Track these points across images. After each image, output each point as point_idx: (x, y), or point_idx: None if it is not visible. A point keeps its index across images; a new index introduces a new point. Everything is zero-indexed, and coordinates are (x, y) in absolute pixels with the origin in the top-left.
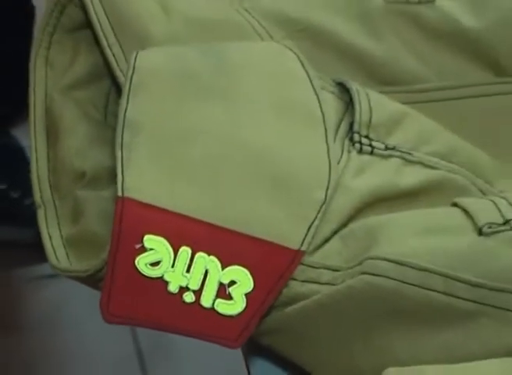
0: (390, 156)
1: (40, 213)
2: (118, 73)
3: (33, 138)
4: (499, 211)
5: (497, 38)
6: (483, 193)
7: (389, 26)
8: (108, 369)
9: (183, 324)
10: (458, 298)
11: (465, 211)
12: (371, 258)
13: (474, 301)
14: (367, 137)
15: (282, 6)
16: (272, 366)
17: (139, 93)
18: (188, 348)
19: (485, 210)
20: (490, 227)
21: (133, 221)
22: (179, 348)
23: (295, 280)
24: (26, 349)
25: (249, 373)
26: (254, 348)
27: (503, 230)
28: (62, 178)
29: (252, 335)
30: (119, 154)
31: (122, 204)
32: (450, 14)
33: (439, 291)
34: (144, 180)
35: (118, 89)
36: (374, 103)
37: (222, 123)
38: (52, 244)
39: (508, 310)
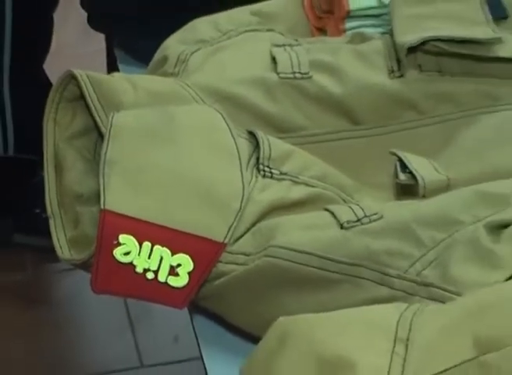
0: (283, 179)
1: (51, 222)
2: (102, 129)
3: (46, 173)
4: (354, 212)
5: (354, 101)
6: (345, 202)
7: (283, 94)
8: (106, 326)
9: (146, 294)
10: (328, 271)
11: (332, 213)
12: (271, 246)
13: (339, 273)
14: (268, 166)
15: (211, 81)
16: (207, 319)
17: (114, 141)
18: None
19: (345, 212)
20: (348, 223)
21: (110, 225)
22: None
23: (221, 262)
24: (53, 318)
25: (193, 325)
26: (195, 309)
27: (356, 225)
28: (66, 199)
29: (193, 300)
30: (101, 181)
31: (104, 214)
32: (323, 85)
33: (315, 267)
34: (117, 198)
35: (101, 138)
36: (272, 144)
37: (170, 158)
38: (59, 243)
39: (360, 278)
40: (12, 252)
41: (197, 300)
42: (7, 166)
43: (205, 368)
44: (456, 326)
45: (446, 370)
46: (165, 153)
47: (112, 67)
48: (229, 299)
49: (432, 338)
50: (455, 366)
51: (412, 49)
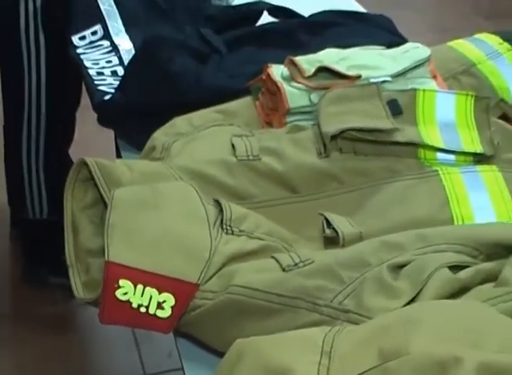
0: (241, 235)
1: (70, 270)
2: (106, 201)
3: (66, 234)
4: (292, 259)
5: (292, 175)
6: (287, 251)
7: (240, 171)
8: (117, 344)
9: (141, 323)
10: (273, 302)
11: (276, 260)
12: (231, 286)
13: (281, 304)
14: (229, 226)
15: (187, 163)
16: (187, 340)
17: (115, 209)
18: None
19: (285, 259)
20: (288, 267)
21: (112, 273)
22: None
23: (195, 298)
24: (77, 340)
25: (176, 345)
26: (178, 332)
27: (294, 269)
28: (81, 253)
29: (176, 326)
30: (105, 239)
31: (107, 264)
32: (269, 164)
33: (263, 300)
34: (117, 252)
35: (106, 208)
36: (232, 209)
37: (156, 222)
38: (76, 286)
39: (297, 307)
40: (46, 291)
41: (179, 326)
42: (42, 226)
43: None
44: (365, 342)
45: None
46: (152, 218)
47: (118, 152)
48: (202, 325)
49: (348, 351)
50: (364, 372)
51: (334, 137)
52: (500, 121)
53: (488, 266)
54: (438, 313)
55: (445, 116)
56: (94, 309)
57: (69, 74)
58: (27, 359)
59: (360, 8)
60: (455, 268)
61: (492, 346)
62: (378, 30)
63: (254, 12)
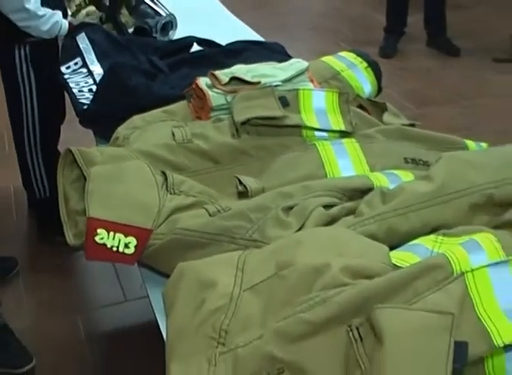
0: (181, 194)
1: (64, 226)
2: (86, 176)
3: (60, 202)
4: (217, 208)
5: (215, 152)
6: (213, 203)
7: (178, 151)
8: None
9: (114, 259)
10: (204, 239)
11: (206, 209)
12: (175, 229)
13: (210, 240)
14: (172, 189)
15: (141, 147)
16: (149, 270)
17: (91, 182)
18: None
19: (212, 208)
20: (214, 213)
21: (91, 224)
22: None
23: (151, 239)
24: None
25: (141, 274)
26: (141, 264)
27: (217, 214)
28: (71, 214)
29: (139, 260)
30: (86, 203)
31: (88, 219)
32: (198, 145)
33: (197, 237)
34: (94, 210)
35: (85, 181)
36: (174, 177)
37: (121, 189)
38: (69, 236)
39: (220, 241)
40: (55, 247)
41: (141, 260)
42: (48, 202)
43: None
44: (266, 258)
45: (261, 281)
46: (118, 186)
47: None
48: (157, 258)
49: (255, 266)
50: (266, 278)
51: (243, 123)
52: (357, 109)
53: (349, 204)
54: (315, 236)
55: (319, 106)
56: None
57: (54, 96)
58: (44, 296)
59: (260, 38)
60: (328, 207)
61: (351, 254)
62: (273, 53)
63: (187, 43)
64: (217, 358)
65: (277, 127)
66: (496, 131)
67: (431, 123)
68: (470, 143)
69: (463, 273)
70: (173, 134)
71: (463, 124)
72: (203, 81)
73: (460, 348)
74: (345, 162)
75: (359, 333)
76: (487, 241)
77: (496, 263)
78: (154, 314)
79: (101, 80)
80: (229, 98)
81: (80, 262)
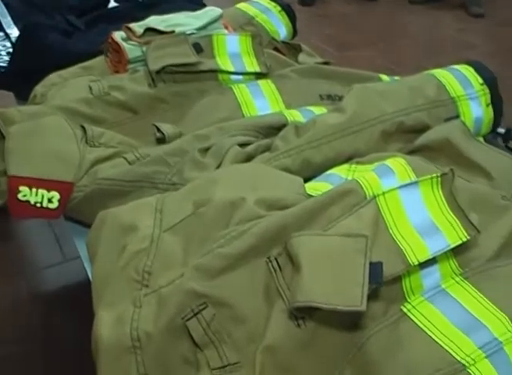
0: (100, 146)
1: None
2: (5, 134)
3: None
4: (135, 156)
5: (132, 102)
6: (133, 152)
7: (96, 104)
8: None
9: (39, 214)
10: (125, 187)
11: (125, 158)
12: (96, 179)
13: (131, 187)
14: (92, 141)
15: (59, 103)
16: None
17: (10, 140)
18: None
19: (131, 156)
20: (133, 161)
21: (13, 182)
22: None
23: (73, 192)
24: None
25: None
26: (66, 217)
27: (136, 161)
28: None
29: (63, 213)
30: (6, 161)
31: (9, 178)
32: (116, 96)
33: (118, 185)
34: (14, 168)
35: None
36: (93, 129)
37: (39, 144)
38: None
39: (141, 187)
40: None
41: (65, 213)
42: None
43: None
44: (183, 199)
45: (180, 221)
46: (38, 142)
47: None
48: (81, 209)
49: (173, 207)
50: (185, 217)
51: (158, 72)
52: (272, 51)
53: (265, 141)
54: (230, 173)
55: (233, 49)
56: (29, 221)
57: None
58: None
59: None
60: (244, 146)
61: (266, 187)
62: (189, 3)
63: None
64: (142, 300)
65: (192, 74)
66: (415, 69)
67: (352, 66)
68: (384, 77)
69: (374, 197)
70: (90, 88)
71: (383, 65)
72: (118, 35)
73: (376, 268)
74: (261, 102)
75: (278, 263)
76: (398, 165)
77: (406, 185)
78: (85, 268)
79: (16, 40)
80: (145, 49)
81: (18, 225)
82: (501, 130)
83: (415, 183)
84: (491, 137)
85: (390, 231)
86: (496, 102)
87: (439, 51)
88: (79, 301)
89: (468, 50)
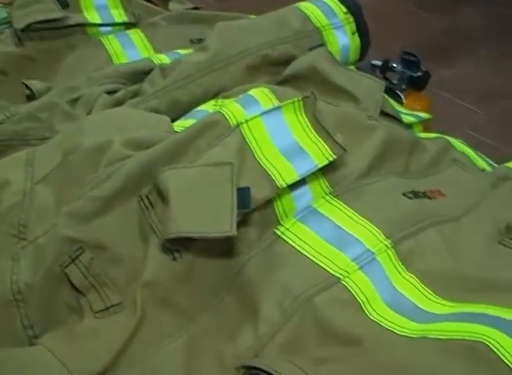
0: None
1: None
2: None
3: None
4: (5, 115)
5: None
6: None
7: None
8: None
9: None
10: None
11: None
12: None
13: (4, 146)
14: None
15: None
16: None
17: None
18: None
19: (1, 115)
20: (3, 121)
21: None
22: None
23: None
24: None
25: None
26: None
27: (7, 121)
28: None
29: None
30: None
31: None
32: None
33: None
34: None
35: None
36: None
37: None
38: None
39: (15, 145)
40: None
41: None
42: None
43: None
44: (54, 149)
45: (51, 171)
46: None
47: None
48: None
49: (43, 158)
50: (56, 166)
51: (24, 30)
52: (141, 1)
53: (134, 87)
54: (96, 118)
55: (99, 2)
56: None
57: None
58: None
59: None
60: (113, 93)
61: (132, 128)
62: None
63: None
64: (19, 252)
65: (59, 29)
66: None
67: None
68: None
69: (238, 125)
70: None
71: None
72: None
73: (243, 193)
74: (132, 52)
75: (149, 200)
76: (261, 94)
77: (269, 111)
78: None
79: None
80: (8, 10)
81: None
82: (378, 63)
83: (277, 108)
84: (369, 68)
85: (256, 157)
86: (362, 30)
87: None
88: None
89: None
